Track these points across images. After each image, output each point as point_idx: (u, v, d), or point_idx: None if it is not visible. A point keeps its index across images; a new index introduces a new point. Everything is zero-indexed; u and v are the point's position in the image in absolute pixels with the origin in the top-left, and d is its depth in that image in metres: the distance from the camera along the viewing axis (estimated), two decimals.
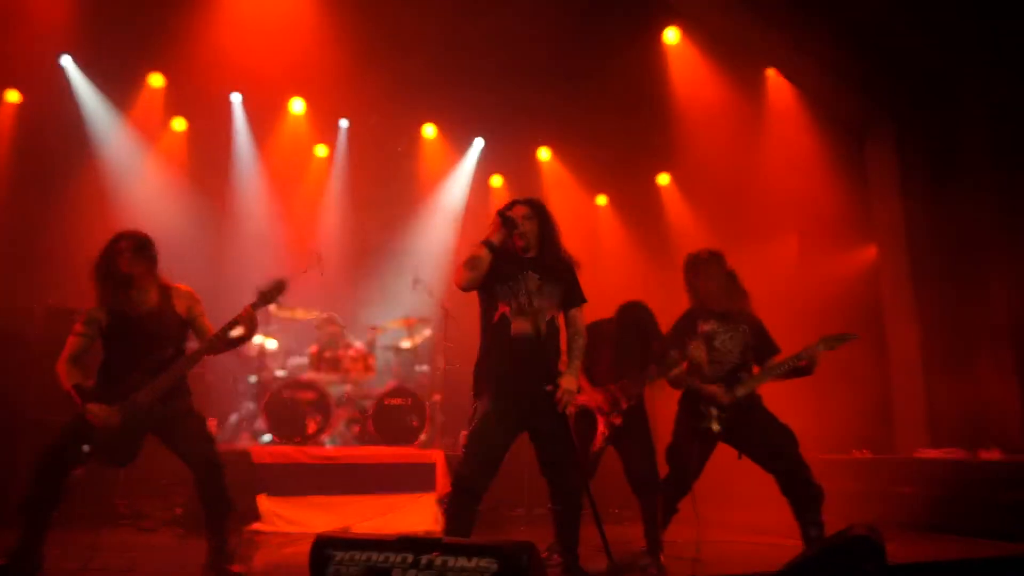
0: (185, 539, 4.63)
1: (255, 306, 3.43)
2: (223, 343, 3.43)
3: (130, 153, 6.93)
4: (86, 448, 3.20)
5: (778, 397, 3.97)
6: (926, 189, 7.00)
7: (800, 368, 3.76)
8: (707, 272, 3.87)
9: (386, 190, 7.88)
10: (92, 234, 5.70)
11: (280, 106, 7.56)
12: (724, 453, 3.89)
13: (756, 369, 3.90)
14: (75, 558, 3.35)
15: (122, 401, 3.28)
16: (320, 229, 7.66)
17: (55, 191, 6.41)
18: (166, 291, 3.50)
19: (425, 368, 6.58)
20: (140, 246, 3.45)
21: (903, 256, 7.20)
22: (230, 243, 7.00)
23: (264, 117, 7.53)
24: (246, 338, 3.47)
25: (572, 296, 3.38)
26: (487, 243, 3.24)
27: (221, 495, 3.37)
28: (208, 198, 7.05)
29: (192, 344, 3.54)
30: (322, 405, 5.72)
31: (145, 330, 3.39)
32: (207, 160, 7.22)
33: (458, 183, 8.26)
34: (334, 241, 7.49)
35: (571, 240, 3.46)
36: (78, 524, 3.12)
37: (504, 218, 3.27)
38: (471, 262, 3.22)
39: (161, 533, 4.79)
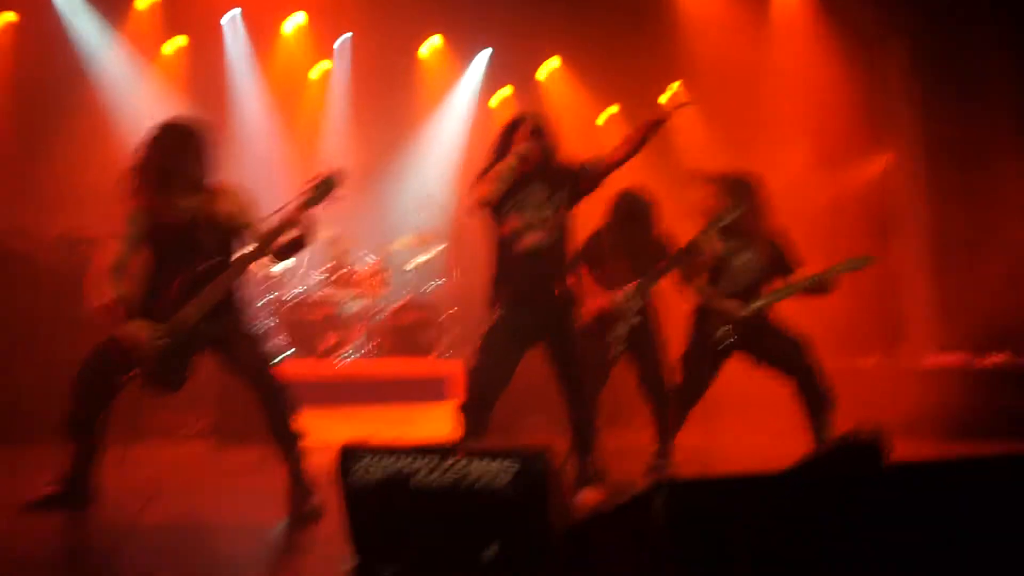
0: (217, 449, 4.84)
1: (307, 205, 2.99)
2: (275, 249, 3.04)
3: (128, 73, 6.80)
4: (128, 374, 2.90)
5: (787, 304, 4.01)
6: (942, 100, 6.87)
7: (816, 287, 3.79)
8: (731, 192, 3.85)
9: (392, 103, 7.76)
10: (94, 156, 5.75)
11: (280, 21, 7.37)
12: (739, 361, 3.96)
13: (773, 286, 3.91)
14: (110, 469, 3.36)
15: (166, 320, 2.92)
16: (326, 147, 7.59)
17: (54, 113, 6.33)
18: (212, 192, 3.05)
19: (439, 282, 6.65)
20: (182, 138, 3.04)
21: (918, 163, 7.13)
22: (234, 165, 6.96)
23: (263, 33, 7.35)
24: (303, 242, 3.06)
25: (578, 188, 3.32)
26: (516, 155, 3.23)
27: (284, 419, 3.02)
28: (209, 116, 6.97)
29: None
30: (338, 321, 5.84)
31: (188, 237, 2.99)
32: (206, 79, 7.08)
33: (465, 95, 8.12)
34: (342, 158, 7.44)
35: (580, 151, 3.44)
36: (110, 437, 3.12)
37: (533, 130, 3.24)
38: (500, 174, 3.21)
39: (193, 444, 5.00)
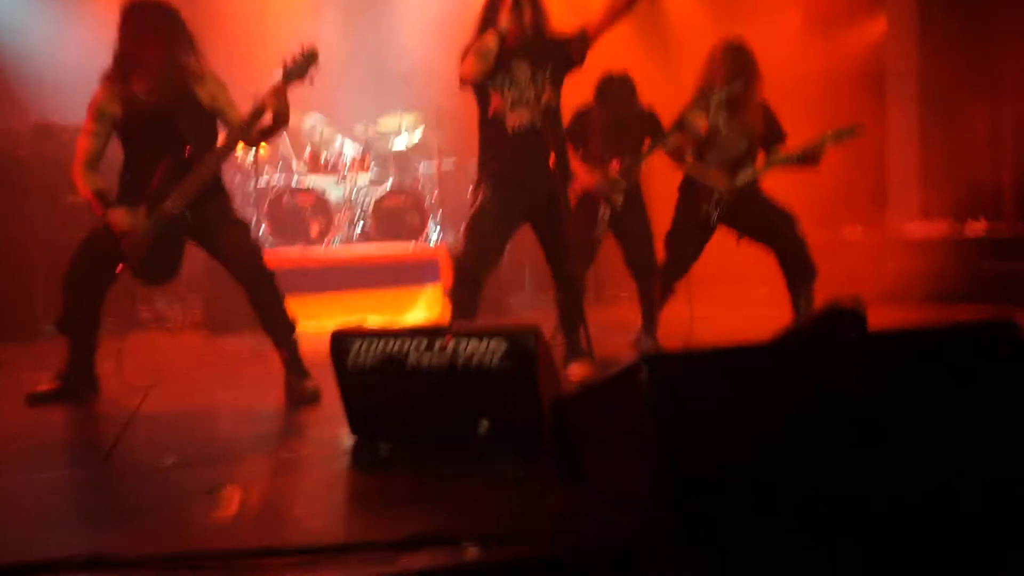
0: (210, 339, 4.92)
1: (283, 85, 2.89)
2: (255, 133, 2.95)
3: None
4: (119, 265, 2.88)
5: (774, 174, 3.99)
6: None
7: (805, 159, 3.76)
8: (726, 62, 3.74)
9: None
10: (66, 40, 5.46)
11: None
12: (722, 234, 3.99)
13: (760, 157, 3.88)
14: (106, 361, 3.36)
15: (150, 211, 2.86)
16: (302, 29, 7.24)
17: None
18: (187, 76, 2.94)
19: (424, 164, 6.55)
20: (155, 18, 2.89)
21: (912, 28, 6.93)
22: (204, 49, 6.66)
23: None
24: (280, 123, 2.97)
25: (568, 61, 3.23)
26: (497, 30, 3.11)
27: (276, 307, 2.99)
28: None
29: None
30: (322, 208, 5.79)
31: (166, 124, 2.89)
32: None
33: None
34: (316, 37, 7.11)
35: (562, 22, 3.31)
36: (104, 330, 3.15)
37: (515, 3, 3.11)
38: (481, 52, 3.10)
39: (186, 334, 5.07)
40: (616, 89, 3.91)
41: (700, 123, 3.73)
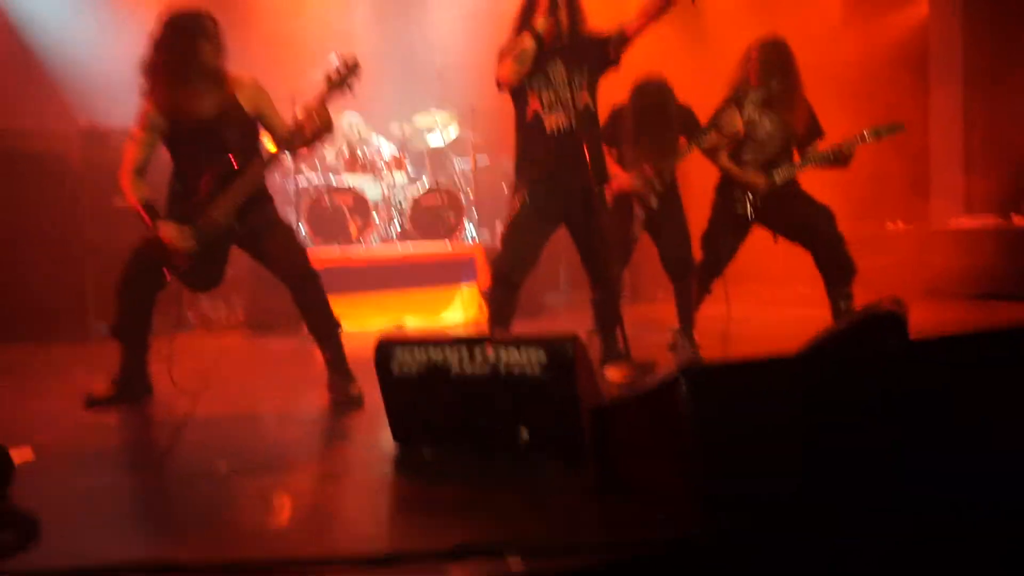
0: (253, 339, 5.04)
1: (328, 94, 2.95)
2: (299, 140, 2.97)
3: None
4: (167, 275, 2.99)
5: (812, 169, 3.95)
6: None
7: (839, 158, 3.71)
8: (761, 59, 3.71)
9: None
10: (115, 44, 5.58)
11: None
12: (758, 233, 3.97)
13: (797, 155, 3.85)
14: (155, 363, 3.45)
15: (196, 219, 2.94)
16: (336, 27, 7.32)
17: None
18: (230, 85, 2.99)
19: (459, 163, 6.60)
20: (198, 30, 2.91)
21: (955, 11, 6.75)
22: (243, 52, 6.76)
23: None
24: (324, 132, 2.99)
25: (605, 60, 3.23)
26: (533, 33, 3.12)
27: (322, 309, 3.05)
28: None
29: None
30: (361, 207, 5.87)
31: (211, 133, 2.94)
32: None
33: None
34: (351, 38, 7.18)
35: (596, 18, 3.31)
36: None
37: (551, 3, 3.12)
38: (520, 55, 3.11)
39: (231, 335, 5.20)
40: (653, 92, 3.88)
41: (735, 122, 3.70)
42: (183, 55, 2.89)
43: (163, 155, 3.11)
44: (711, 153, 3.83)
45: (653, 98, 3.80)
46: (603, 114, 3.49)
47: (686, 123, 3.95)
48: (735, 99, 3.77)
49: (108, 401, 3.05)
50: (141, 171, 3.01)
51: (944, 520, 1.50)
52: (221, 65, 2.98)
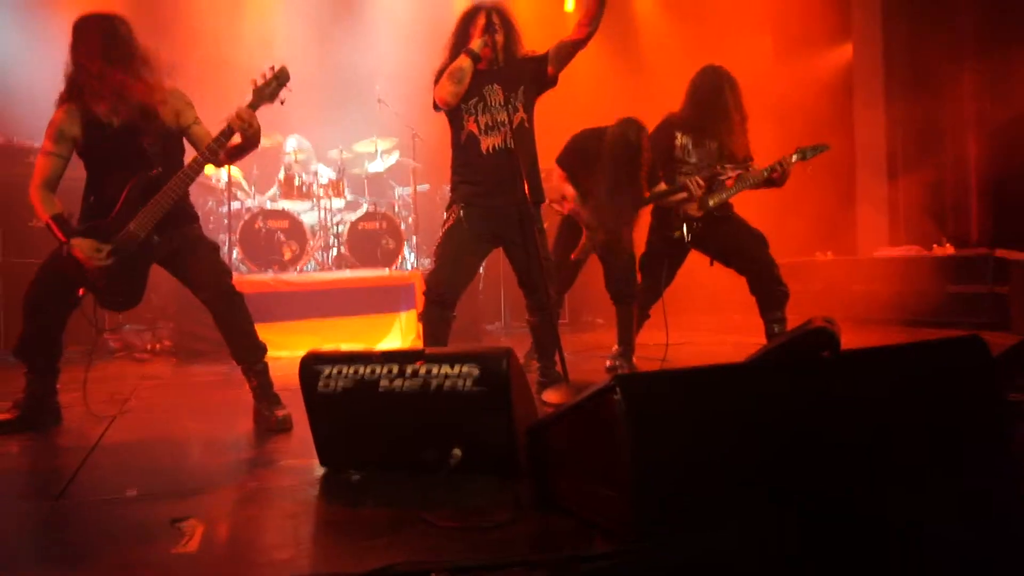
0: (180, 367, 4.82)
1: (253, 105, 2.80)
2: (223, 153, 2.82)
3: None
4: (80, 292, 2.81)
5: (747, 201, 4.03)
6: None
7: (773, 179, 3.79)
8: (708, 87, 3.77)
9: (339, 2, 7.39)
10: (32, 58, 5.38)
11: None
12: (695, 260, 4.02)
13: (732, 178, 3.90)
14: (71, 391, 3.27)
15: (112, 234, 2.76)
16: (275, 49, 7.23)
17: None
18: (149, 93, 2.82)
19: (398, 190, 6.54)
20: (111, 33, 2.76)
21: (877, 57, 7.11)
22: (180, 73, 6.59)
23: None
24: (250, 144, 2.87)
25: (544, 79, 3.23)
26: (470, 53, 3.11)
27: (246, 331, 2.92)
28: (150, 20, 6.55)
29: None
30: (296, 232, 5.74)
31: (129, 144, 2.79)
32: None
33: None
34: (290, 61, 7.09)
35: (540, 46, 3.32)
36: (70, 359, 3.06)
37: (487, 24, 3.11)
38: (456, 74, 3.11)
39: (156, 363, 4.96)
40: (628, 136, 3.77)
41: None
42: (93, 60, 2.74)
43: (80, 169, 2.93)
44: (649, 181, 3.83)
45: (633, 137, 3.70)
46: (540, 134, 3.46)
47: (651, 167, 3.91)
48: (669, 123, 3.83)
49: (9, 426, 2.84)
50: (52, 184, 2.83)
51: (875, 520, 1.49)
52: (136, 69, 2.81)
